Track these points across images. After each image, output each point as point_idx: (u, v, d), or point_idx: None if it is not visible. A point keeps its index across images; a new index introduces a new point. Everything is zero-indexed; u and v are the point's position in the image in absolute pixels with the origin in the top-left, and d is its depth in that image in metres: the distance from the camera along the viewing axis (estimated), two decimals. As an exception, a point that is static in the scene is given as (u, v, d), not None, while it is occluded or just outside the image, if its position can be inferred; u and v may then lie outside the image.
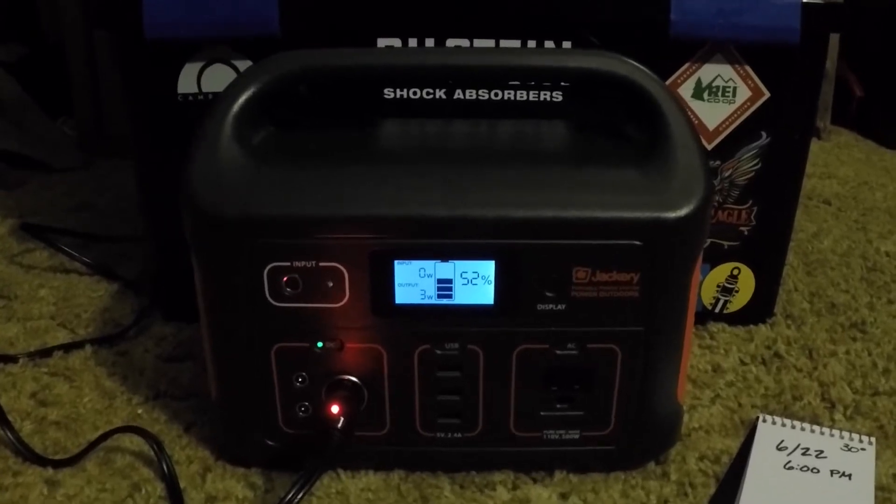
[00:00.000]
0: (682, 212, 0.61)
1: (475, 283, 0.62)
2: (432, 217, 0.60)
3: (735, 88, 0.79)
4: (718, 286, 0.84)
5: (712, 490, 0.68)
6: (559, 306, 0.62)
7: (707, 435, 0.73)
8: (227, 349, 0.65)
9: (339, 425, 0.63)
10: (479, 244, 0.61)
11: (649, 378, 0.65)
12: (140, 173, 0.83)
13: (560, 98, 0.78)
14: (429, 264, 0.62)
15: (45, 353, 0.82)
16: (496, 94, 0.78)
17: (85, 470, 0.69)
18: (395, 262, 0.61)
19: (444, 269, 0.62)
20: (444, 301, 0.63)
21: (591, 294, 0.62)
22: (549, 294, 0.62)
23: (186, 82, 0.78)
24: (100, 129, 1.24)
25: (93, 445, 0.70)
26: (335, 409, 0.63)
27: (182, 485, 0.67)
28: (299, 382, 0.65)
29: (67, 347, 0.83)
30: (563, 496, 0.66)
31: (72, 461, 0.69)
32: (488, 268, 0.62)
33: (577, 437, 0.66)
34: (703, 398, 0.76)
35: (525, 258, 0.61)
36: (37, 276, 0.95)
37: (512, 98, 0.78)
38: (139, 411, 0.75)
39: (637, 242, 0.61)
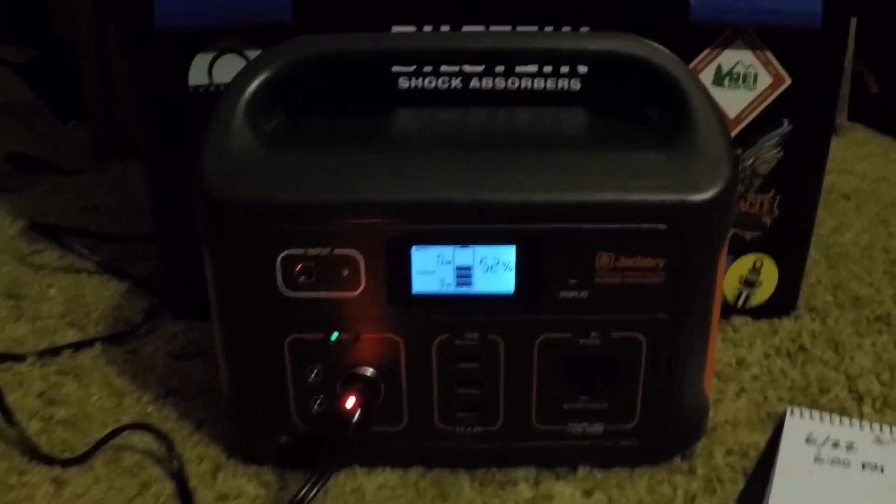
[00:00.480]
0: (708, 194, 0.58)
1: (495, 270, 0.59)
2: (451, 202, 0.57)
3: (756, 75, 0.75)
4: (741, 279, 0.81)
5: (741, 485, 0.64)
6: (582, 293, 0.59)
7: (734, 429, 0.69)
8: (239, 342, 0.62)
9: (355, 420, 0.59)
10: (500, 229, 0.58)
11: (675, 368, 0.61)
12: (150, 167, 0.80)
13: (578, 86, 0.75)
14: (447, 251, 0.58)
15: (54, 351, 0.79)
16: (513, 83, 0.75)
17: (93, 469, 0.66)
18: (413, 248, 0.58)
19: (464, 255, 0.58)
20: (464, 289, 0.59)
21: (615, 280, 0.59)
22: (571, 281, 0.59)
23: (197, 74, 0.75)
24: (111, 131, 1.21)
25: (101, 443, 0.67)
26: (350, 402, 0.60)
27: (192, 483, 0.64)
28: (313, 376, 0.61)
29: (76, 346, 0.80)
30: (588, 493, 0.63)
31: (79, 460, 0.66)
32: (509, 254, 0.58)
33: (600, 430, 0.63)
34: (729, 392, 0.73)
35: (547, 243, 0.58)
36: (46, 276, 0.92)
37: (529, 87, 0.75)
38: (149, 409, 0.72)
39: (662, 226, 0.58)
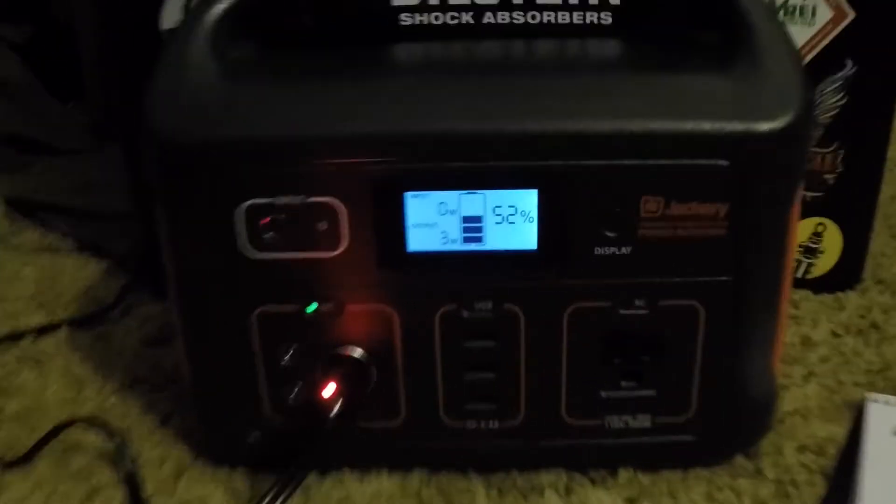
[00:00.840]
0: (779, 122, 0.42)
1: (512, 220, 0.43)
2: (455, 133, 0.42)
3: (814, 7, 0.59)
4: (801, 246, 0.64)
5: (820, 489, 0.48)
6: (623, 250, 0.43)
7: (804, 420, 0.53)
8: (199, 317, 0.46)
9: (335, 411, 0.43)
10: (517, 168, 0.42)
11: (740, 344, 0.45)
12: (123, 126, 0.65)
13: (609, 19, 0.58)
14: (451, 197, 0.42)
15: (15, 336, 0.64)
16: (533, 18, 0.59)
17: (35, 471, 0.50)
18: (407, 194, 0.42)
19: (472, 203, 0.43)
20: (473, 246, 0.43)
21: (665, 233, 0.43)
22: (609, 234, 0.43)
23: (172, 16, 0.59)
24: (110, 112, 1.06)
25: (45, 441, 0.51)
26: (331, 390, 0.44)
27: (150, 489, 0.49)
28: (288, 357, 0.46)
29: (41, 330, 0.64)
30: (631, 501, 0.47)
31: (22, 461, 0.51)
32: (529, 200, 0.42)
33: (647, 424, 0.47)
34: (795, 376, 0.56)
35: (577, 186, 0.42)
36: (22, 256, 0.76)
37: (552, 21, 0.59)
38: (110, 401, 0.57)
39: (723, 162, 0.42)
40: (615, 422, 0.47)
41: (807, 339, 0.60)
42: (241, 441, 0.48)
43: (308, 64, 0.48)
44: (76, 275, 0.73)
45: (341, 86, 0.44)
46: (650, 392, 0.46)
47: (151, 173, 0.45)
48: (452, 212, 0.43)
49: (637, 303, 0.44)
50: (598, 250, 0.43)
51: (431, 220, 0.43)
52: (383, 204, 0.42)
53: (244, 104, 0.44)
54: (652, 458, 0.48)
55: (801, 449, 0.51)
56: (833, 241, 0.64)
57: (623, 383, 0.46)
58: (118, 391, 0.57)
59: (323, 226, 0.43)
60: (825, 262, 0.65)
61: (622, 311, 0.44)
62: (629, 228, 0.42)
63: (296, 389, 0.46)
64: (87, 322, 0.65)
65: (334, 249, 0.43)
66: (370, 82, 0.45)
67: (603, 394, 0.46)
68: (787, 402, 0.54)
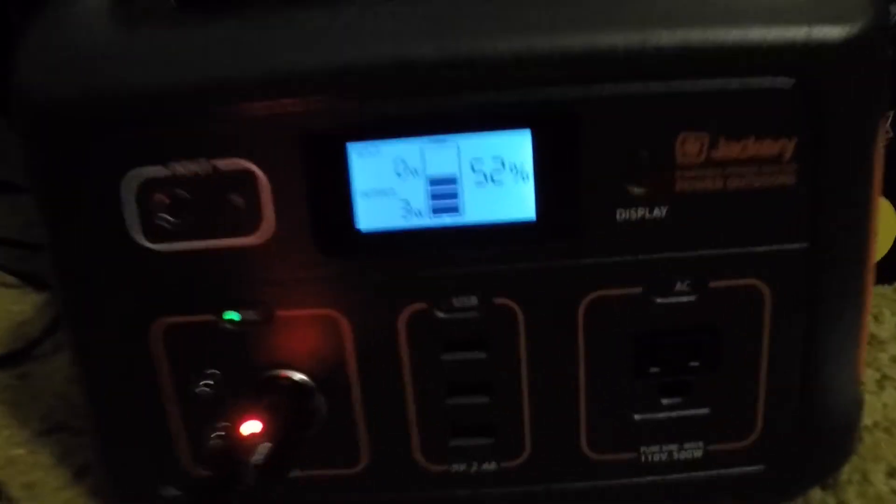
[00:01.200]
0: (855, 25, 0.28)
1: (499, 179, 0.28)
2: (411, 58, 0.27)
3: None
4: (850, 228, 0.50)
5: (927, 528, 0.33)
6: (656, 212, 0.29)
7: (889, 436, 0.38)
8: (90, 337, 0.32)
9: (259, 459, 0.28)
10: (502, 104, 0.28)
11: (820, 338, 0.31)
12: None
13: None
14: (412, 150, 0.28)
15: (-77, 383, 0.50)
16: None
17: None
18: (350, 147, 0.28)
19: (441, 157, 0.28)
20: (446, 219, 0.29)
21: (712, 184, 0.28)
22: (635, 190, 0.28)
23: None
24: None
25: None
26: (253, 428, 0.29)
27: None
28: (206, 386, 0.31)
29: (-44, 373, 0.50)
30: (682, 559, 0.32)
31: None
32: (521, 148, 0.28)
33: (698, 454, 0.32)
34: (867, 381, 0.42)
35: (587, 124, 0.28)
36: (-44, 294, 0.63)
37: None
38: (18, 452, 0.42)
39: (785, 81, 0.27)
40: (655, 453, 0.32)
41: (873, 336, 0.45)
42: (155, 498, 0.33)
43: (230, 9, 0.34)
44: (9, 310, 0.59)
45: (263, 22, 0.30)
46: (701, 410, 0.31)
47: (23, 149, 0.31)
48: (415, 171, 0.28)
49: (678, 286, 0.29)
50: (621, 214, 0.28)
51: (387, 185, 0.28)
52: (318, 164, 0.28)
53: (137, 51, 0.30)
54: (705, 498, 0.33)
55: (892, 472, 0.36)
56: (888, 222, 0.50)
57: (664, 400, 0.31)
58: (31, 439, 0.43)
59: (238, 200, 0.29)
60: (880, 247, 0.51)
61: (659, 300, 0.30)
62: (663, 181, 0.28)
63: (219, 429, 0.31)
64: (9, 361, 0.51)
65: (256, 233, 0.29)
66: (300, 14, 0.31)
67: (637, 416, 0.31)
68: (865, 414, 0.39)
